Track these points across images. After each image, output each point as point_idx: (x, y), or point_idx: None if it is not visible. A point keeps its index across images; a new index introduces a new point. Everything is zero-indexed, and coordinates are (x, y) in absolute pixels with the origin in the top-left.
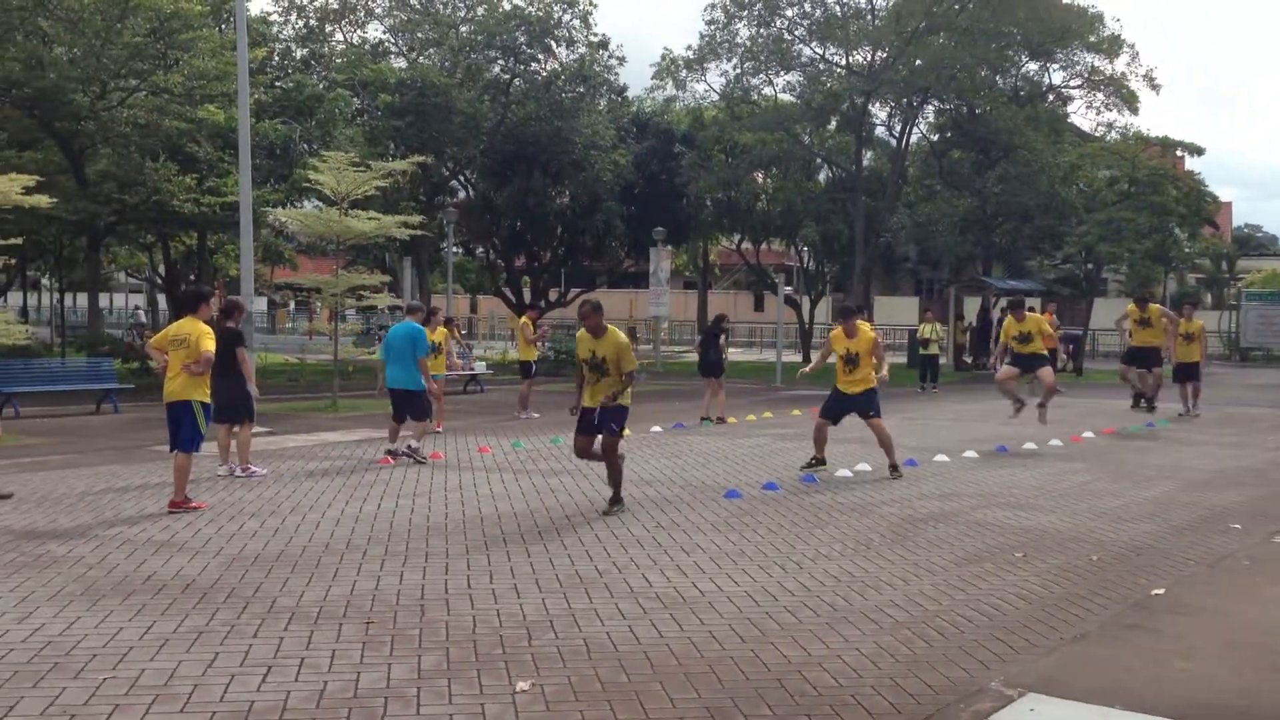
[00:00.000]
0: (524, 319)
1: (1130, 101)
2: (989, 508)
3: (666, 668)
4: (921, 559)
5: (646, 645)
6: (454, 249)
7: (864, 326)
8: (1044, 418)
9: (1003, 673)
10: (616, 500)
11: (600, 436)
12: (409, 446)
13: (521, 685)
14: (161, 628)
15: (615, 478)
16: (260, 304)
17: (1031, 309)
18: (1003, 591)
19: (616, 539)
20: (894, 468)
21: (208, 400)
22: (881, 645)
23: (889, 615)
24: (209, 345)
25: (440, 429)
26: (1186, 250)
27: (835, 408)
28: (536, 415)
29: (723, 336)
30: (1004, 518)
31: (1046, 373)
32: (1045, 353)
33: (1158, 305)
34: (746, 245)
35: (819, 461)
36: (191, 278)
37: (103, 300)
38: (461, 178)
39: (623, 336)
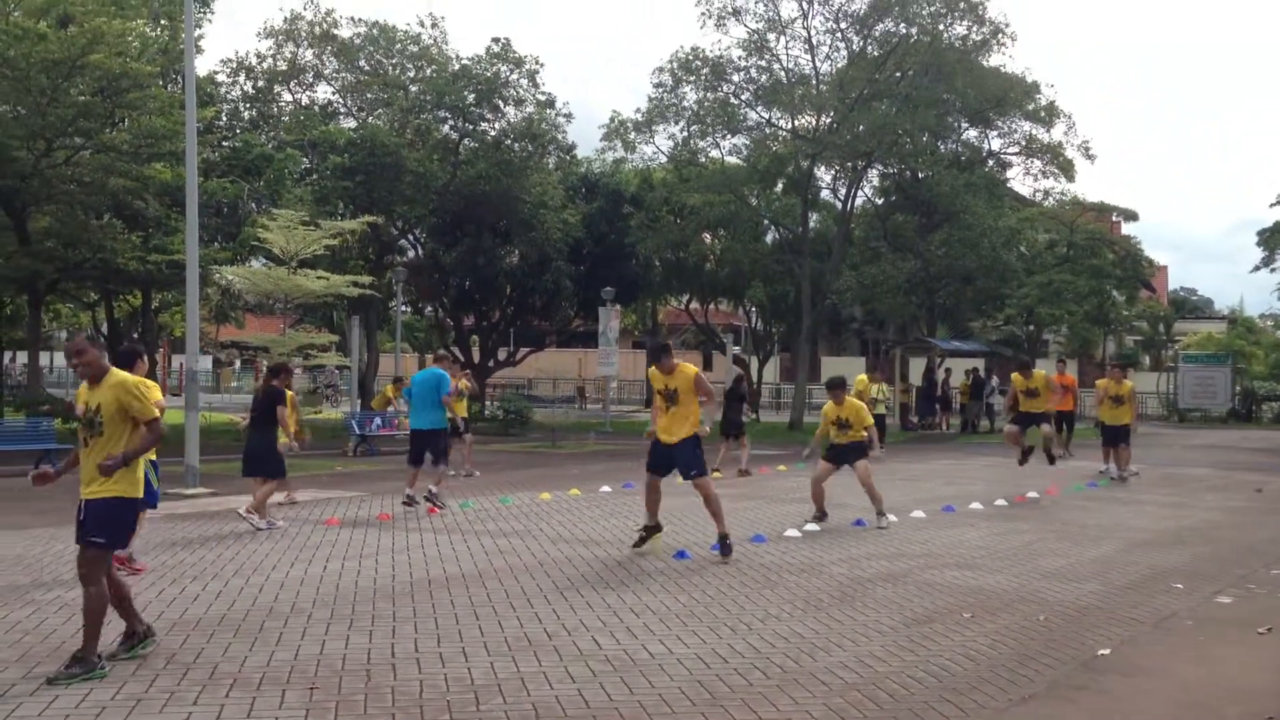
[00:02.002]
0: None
1: (1066, 170)
2: (937, 568)
3: None
4: (871, 620)
5: (596, 709)
6: (403, 308)
7: (685, 365)
8: (883, 521)
9: None
10: (78, 660)
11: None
12: (429, 491)
13: None
14: (98, 695)
15: (90, 616)
16: (205, 363)
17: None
18: (951, 652)
19: (566, 601)
20: (723, 539)
21: (153, 457)
22: (832, 708)
23: (839, 677)
24: (155, 398)
25: (295, 500)
26: (1124, 313)
27: (658, 461)
28: (452, 474)
29: (744, 398)
30: (952, 578)
31: (862, 467)
32: (864, 441)
33: (1042, 373)
34: (695, 305)
35: (651, 530)
36: (134, 335)
37: (44, 359)
38: (411, 237)
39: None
